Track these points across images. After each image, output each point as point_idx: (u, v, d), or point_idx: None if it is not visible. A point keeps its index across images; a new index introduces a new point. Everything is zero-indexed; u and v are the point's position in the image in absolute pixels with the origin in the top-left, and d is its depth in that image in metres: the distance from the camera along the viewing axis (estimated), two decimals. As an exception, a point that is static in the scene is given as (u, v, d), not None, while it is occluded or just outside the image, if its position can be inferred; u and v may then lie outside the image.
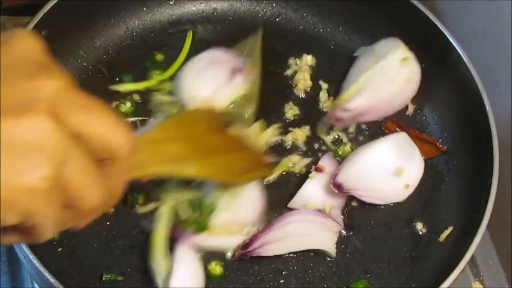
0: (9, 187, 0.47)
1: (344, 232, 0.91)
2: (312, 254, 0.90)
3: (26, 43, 0.53)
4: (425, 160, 0.95)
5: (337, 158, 0.96)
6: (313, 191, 0.92)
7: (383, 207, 0.94)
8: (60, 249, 0.87)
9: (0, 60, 0.51)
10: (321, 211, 0.90)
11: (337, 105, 0.98)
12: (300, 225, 0.88)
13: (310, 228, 0.89)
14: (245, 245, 0.87)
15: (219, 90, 0.97)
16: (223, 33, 1.09)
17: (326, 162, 0.94)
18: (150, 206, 0.90)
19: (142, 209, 0.91)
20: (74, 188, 0.51)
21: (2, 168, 0.47)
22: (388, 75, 0.97)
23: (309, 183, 0.92)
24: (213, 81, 0.98)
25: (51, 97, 0.50)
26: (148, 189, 0.91)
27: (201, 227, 0.87)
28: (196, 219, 0.87)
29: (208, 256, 0.87)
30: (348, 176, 0.90)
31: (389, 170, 0.91)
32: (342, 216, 0.92)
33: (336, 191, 0.90)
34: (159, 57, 1.05)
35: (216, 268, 0.87)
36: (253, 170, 0.91)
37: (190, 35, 1.07)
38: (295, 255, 0.90)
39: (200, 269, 0.85)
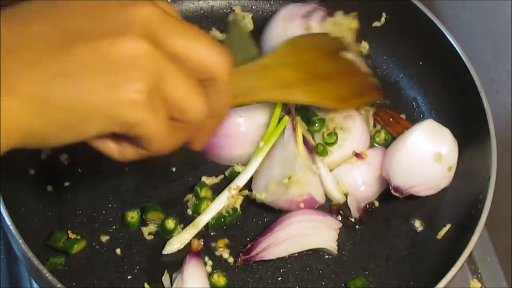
0: (106, 99, 0.52)
1: (347, 227, 0.92)
2: (310, 252, 0.90)
3: None
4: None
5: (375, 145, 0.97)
6: (347, 173, 0.93)
7: (382, 204, 0.94)
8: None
9: None
10: (320, 210, 0.91)
11: None
12: (301, 225, 0.88)
13: (311, 227, 0.89)
14: (248, 250, 0.87)
15: None
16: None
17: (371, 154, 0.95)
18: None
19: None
20: (176, 100, 0.55)
21: (100, 83, 0.51)
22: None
23: (344, 165, 0.93)
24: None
25: (146, 22, 0.54)
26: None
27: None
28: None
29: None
30: (400, 177, 0.90)
31: (430, 158, 0.90)
32: (358, 211, 0.92)
33: (400, 196, 0.90)
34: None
35: (219, 279, 0.86)
36: (362, 95, 0.92)
37: None
38: (293, 253, 0.90)
39: (207, 284, 0.85)
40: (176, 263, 0.87)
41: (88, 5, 0.55)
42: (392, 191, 0.90)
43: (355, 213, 0.92)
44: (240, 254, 0.87)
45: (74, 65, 0.51)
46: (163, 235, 0.89)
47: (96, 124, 0.53)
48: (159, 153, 0.58)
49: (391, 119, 0.99)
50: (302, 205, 0.89)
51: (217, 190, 0.91)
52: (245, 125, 0.91)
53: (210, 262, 0.87)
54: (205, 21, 1.09)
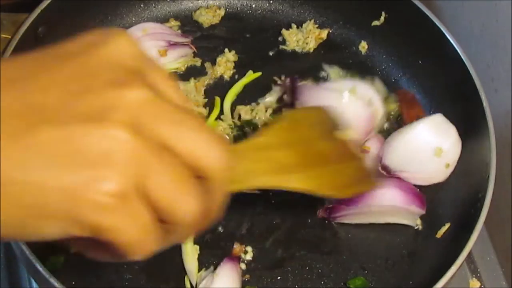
0: (70, 198, 0.44)
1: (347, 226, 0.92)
2: (309, 250, 0.90)
3: (118, 46, 0.49)
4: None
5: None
6: None
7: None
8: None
9: (84, 64, 0.48)
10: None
11: None
12: (384, 209, 0.90)
13: (394, 211, 0.91)
14: (329, 210, 0.91)
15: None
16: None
17: (372, 144, 0.96)
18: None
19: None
20: (162, 201, 0.47)
21: (64, 178, 0.44)
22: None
23: None
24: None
25: (132, 107, 0.46)
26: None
27: None
28: None
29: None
30: (393, 158, 0.92)
31: (429, 151, 0.92)
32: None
33: (385, 173, 0.92)
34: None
35: None
36: (359, 181, 0.86)
37: None
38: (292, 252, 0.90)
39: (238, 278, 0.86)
40: (176, 263, 0.87)
41: (68, 79, 0.46)
42: (380, 168, 0.92)
43: None
44: (321, 210, 0.91)
45: (36, 152, 0.43)
46: None
47: (56, 225, 0.45)
48: (139, 258, 0.48)
49: (409, 101, 0.99)
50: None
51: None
52: None
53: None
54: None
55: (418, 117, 0.97)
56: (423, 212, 0.92)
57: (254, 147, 0.72)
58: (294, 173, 0.75)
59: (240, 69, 1.04)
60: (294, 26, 1.08)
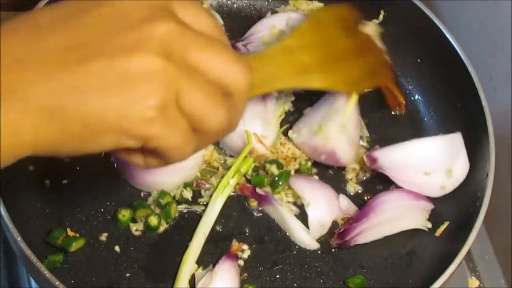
0: (120, 115, 0.52)
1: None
2: (308, 249, 0.90)
3: None
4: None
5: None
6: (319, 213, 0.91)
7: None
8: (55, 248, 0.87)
9: (120, 5, 0.55)
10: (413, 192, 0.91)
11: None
12: (395, 211, 0.89)
13: (404, 212, 0.90)
14: (342, 234, 0.88)
15: (263, 121, 0.94)
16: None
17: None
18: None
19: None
20: (194, 112, 0.56)
21: (114, 99, 0.52)
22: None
23: (310, 212, 0.90)
24: (254, 116, 0.94)
25: (163, 38, 0.54)
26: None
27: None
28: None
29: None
30: (387, 155, 0.91)
31: (430, 165, 0.91)
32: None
33: (368, 164, 0.92)
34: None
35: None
36: (375, 74, 0.93)
37: None
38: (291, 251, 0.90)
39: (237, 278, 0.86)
40: (175, 262, 0.87)
41: (106, 18, 0.54)
42: (365, 157, 0.91)
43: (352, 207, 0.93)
44: (334, 237, 0.89)
45: (88, 80, 0.52)
46: (149, 233, 0.89)
47: (110, 138, 0.54)
48: (180, 161, 0.59)
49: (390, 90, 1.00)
50: (323, 157, 0.92)
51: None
52: None
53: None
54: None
55: (398, 101, 0.99)
56: (432, 206, 0.91)
57: (279, 51, 0.79)
58: (314, 73, 0.83)
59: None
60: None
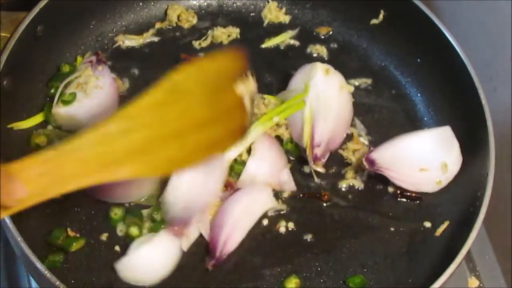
0: None
1: (346, 224, 0.92)
2: (307, 249, 0.90)
3: None
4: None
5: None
6: (258, 168, 0.92)
7: (380, 201, 0.94)
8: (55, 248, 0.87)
9: None
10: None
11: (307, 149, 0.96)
12: (241, 205, 0.89)
13: (249, 201, 0.90)
14: (212, 254, 0.87)
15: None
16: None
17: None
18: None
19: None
20: None
21: None
22: (324, 95, 0.96)
23: (252, 161, 0.91)
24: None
25: None
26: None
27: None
28: None
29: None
30: (384, 155, 0.92)
31: (425, 163, 0.91)
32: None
33: (368, 167, 0.92)
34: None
35: None
36: (226, 140, 0.78)
37: None
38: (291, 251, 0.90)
39: (177, 252, 0.86)
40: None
41: None
42: (363, 160, 0.92)
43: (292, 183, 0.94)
44: (208, 262, 0.87)
45: None
46: (127, 238, 0.89)
47: None
48: None
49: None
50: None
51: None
52: None
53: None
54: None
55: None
56: (270, 188, 0.92)
57: (96, 139, 0.66)
58: (124, 164, 0.68)
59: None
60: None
